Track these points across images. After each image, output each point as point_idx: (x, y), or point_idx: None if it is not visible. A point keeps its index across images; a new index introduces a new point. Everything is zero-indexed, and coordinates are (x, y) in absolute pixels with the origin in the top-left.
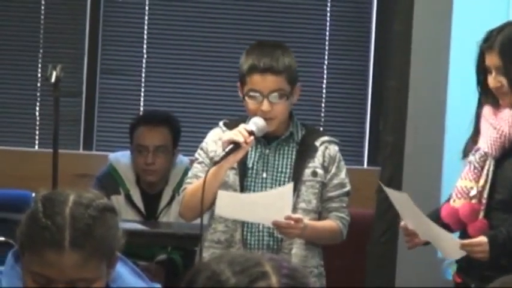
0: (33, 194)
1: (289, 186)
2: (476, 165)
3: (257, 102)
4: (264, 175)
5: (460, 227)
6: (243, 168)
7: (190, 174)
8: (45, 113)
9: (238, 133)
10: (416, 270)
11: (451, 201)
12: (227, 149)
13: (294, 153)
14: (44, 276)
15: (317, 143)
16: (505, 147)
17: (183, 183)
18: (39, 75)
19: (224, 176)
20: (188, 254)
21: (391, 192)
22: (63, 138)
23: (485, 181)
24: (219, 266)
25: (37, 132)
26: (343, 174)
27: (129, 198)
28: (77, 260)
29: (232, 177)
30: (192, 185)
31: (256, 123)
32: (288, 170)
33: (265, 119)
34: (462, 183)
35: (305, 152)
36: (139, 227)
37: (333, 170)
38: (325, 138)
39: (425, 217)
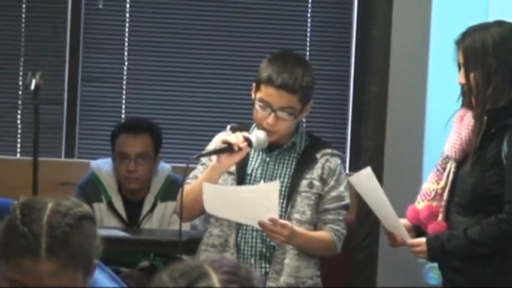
0: (15, 202)
1: (275, 183)
2: (439, 167)
3: (265, 112)
4: (262, 182)
5: (425, 228)
6: (242, 174)
7: (191, 174)
8: (27, 120)
9: (235, 136)
10: (397, 275)
11: (416, 203)
12: (218, 147)
13: (294, 163)
14: (20, 283)
15: (318, 155)
16: (465, 150)
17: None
18: (20, 83)
19: (218, 179)
20: (171, 260)
21: (354, 179)
22: (45, 146)
23: (446, 183)
24: (161, 276)
25: (19, 140)
26: (342, 188)
27: (111, 206)
28: (52, 268)
29: (230, 182)
30: (190, 185)
31: (256, 135)
32: (285, 180)
33: (267, 131)
34: (426, 185)
35: (304, 163)
36: (121, 234)
37: (332, 182)
38: (328, 150)
39: (386, 199)
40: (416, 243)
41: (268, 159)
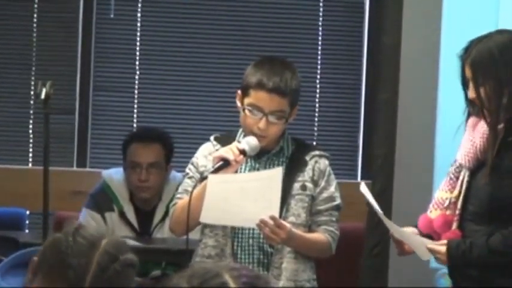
0: (27, 212)
1: (278, 169)
2: (452, 176)
3: (256, 118)
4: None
5: (437, 237)
6: None
7: (180, 189)
8: (39, 130)
9: (230, 151)
10: (408, 282)
11: (428, 212)
12: (216, 165)
13: (284, 167)
14: None
15: (307, 157)
16: (479, 158)
17: (174, 198)
18: (32, 92)
19: None
20: (182, 269)
21: (367, 193)
22: (57, 155)
23: (459, 192)
24: (178, 282)
25: (30, 150)
26: (332, 188)
27: (122, 215)
28: None
29: None
30: (182, 200)
31: (249, 143)
32: None
33: (258, 136)
34: (439, 194)
35: (295, 166)
36: (133, 243)
37: (322, 183)
38: (316, 152)
39: (387, 220)
40: (436, 251)
41: (257, 165)
